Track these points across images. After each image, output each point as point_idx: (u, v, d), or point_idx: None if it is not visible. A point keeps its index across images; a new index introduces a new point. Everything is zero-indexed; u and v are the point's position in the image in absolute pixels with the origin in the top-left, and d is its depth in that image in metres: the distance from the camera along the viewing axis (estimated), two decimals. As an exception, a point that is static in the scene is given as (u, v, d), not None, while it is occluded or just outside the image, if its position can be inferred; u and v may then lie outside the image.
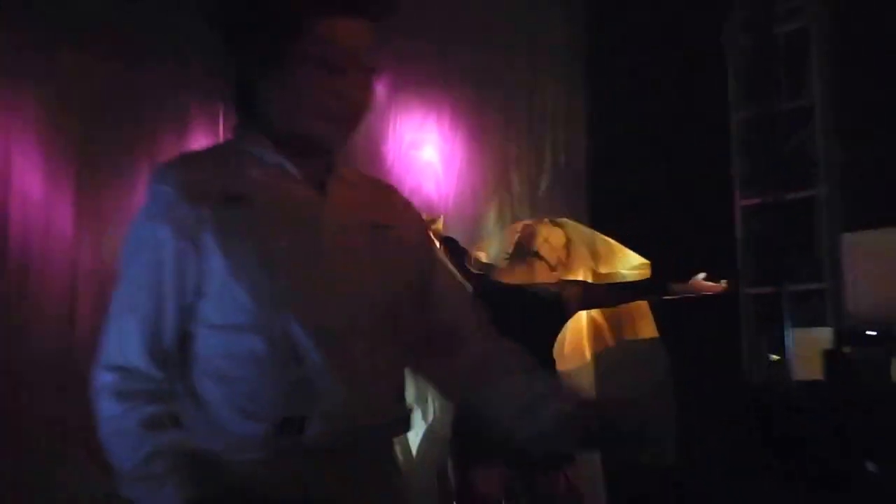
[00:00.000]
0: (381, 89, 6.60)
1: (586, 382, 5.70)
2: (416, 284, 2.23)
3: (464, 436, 4.94)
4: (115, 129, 5.95)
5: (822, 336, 5.41)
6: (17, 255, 5.58)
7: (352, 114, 2.10)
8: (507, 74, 6.56)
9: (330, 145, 2.13)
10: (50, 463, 5.49)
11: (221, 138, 6.29)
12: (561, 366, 4.80)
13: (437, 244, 5.49)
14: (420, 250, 2.30)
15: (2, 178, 5.56)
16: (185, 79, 6.22)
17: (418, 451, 6.28)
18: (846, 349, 4.86)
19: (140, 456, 1.88)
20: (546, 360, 4.73)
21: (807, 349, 5.15)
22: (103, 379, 1.94)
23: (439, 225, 5.68)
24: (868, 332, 4.71)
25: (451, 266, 2.36)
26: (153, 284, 1.95)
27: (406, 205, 2.34)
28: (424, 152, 6.59)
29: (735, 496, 4.74)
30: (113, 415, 1.93)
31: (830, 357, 4.83)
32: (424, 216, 5.50)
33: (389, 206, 2.26)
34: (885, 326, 4.57)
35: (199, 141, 6.32)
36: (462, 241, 5.70)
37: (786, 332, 6.04)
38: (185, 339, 1.99)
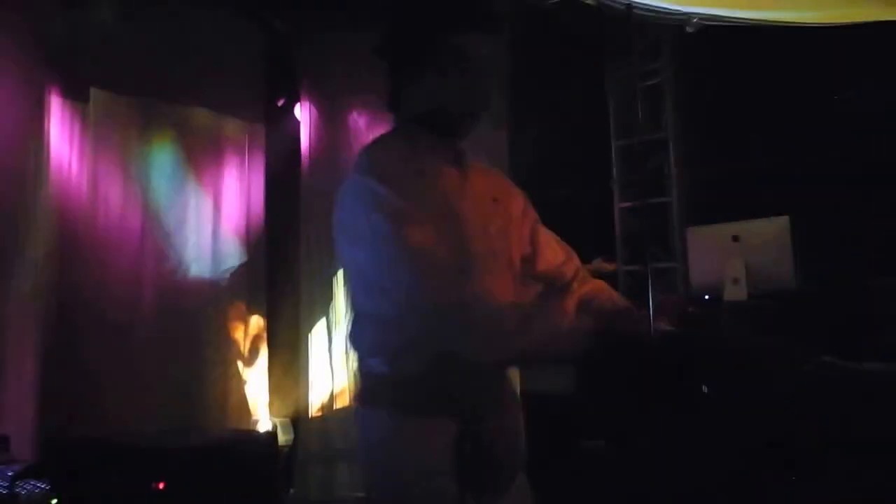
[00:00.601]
0: (364, 123, 6.70)
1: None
2: (525, 244, 2.21)
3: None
4: (170, 154, 6.17)
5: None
6: (101, 242, 5.75)
7: (477, 106, 2.10)
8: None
9: (463, 131, 2.12)
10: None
11: (247, 158, 6.58)
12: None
13: None
14: (524, 219, 2.25)
15: (91, 191, 5.72)
16: (219, 116, 6.48)
17: None
18: (690, 309, 4.89)
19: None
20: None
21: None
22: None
23: None
24: (706, 297, 4.72)
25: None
26: (380, 232, 1.89)
27: (510, 184, 2.30)
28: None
29: (617, 416, 4.96)
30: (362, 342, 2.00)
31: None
32: None
33: (500, 185, 2.24)
34: (716, 293, 4.57)
35: (232, 159, 6.54)
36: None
37: (650, 298, 6.27)
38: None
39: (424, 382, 1.94)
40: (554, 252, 2.30)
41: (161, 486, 2.29)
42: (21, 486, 2.63)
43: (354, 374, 2.07)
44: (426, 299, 1.84)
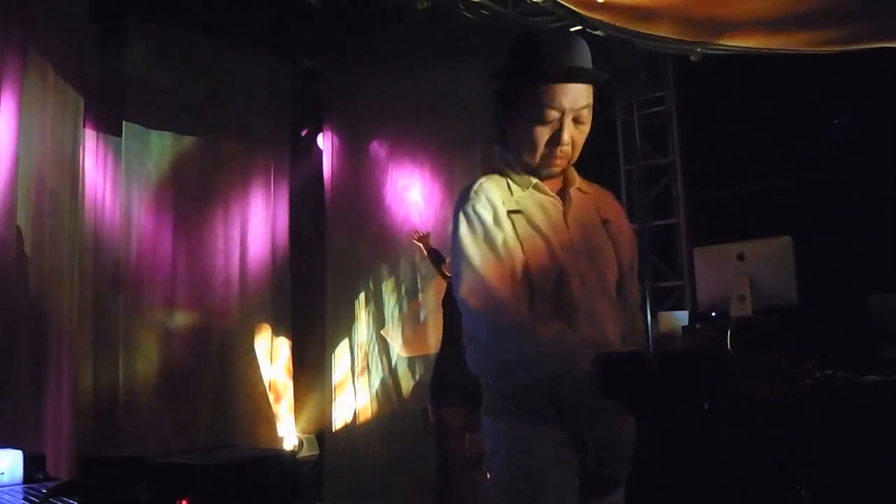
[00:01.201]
0: (383, 151, 6.85)
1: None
2: (625, 265, 2.22)
3: (439, 385, 4.92)
4: (200, 183, 6.33)
5: (682, 317, 5.44)
6: (136, 267, 5.89)
7: (563, 151, 2.11)
8: (467, 143, 6.40)
9: (552, 172, 2.16)
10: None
11: (272, 186, 6.71)
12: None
13: (426, 252, 5.63)
14: (630, 238, 2.28)
15: (125, 219, 5.87)
16: (247, 147, 6.62)
17: (409, 396, 6.47)
18: (697, 325, 4.86)
19: None
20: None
21: (672, 325, 5.13)
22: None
23: (429, 238, 5.66)
24: (712, 314, 4.71)
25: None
26: (483, 250, 2.02)
27: (618, 206, 2.32)
28: (412, 193, 6.65)
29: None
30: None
31: (686, 330, 4.92)
32: (421, 232, 5.67)
33: (610, 206, 2.27)
34: (721, 309, 4.58)
35: (258, 187, 6.66)
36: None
37: (648, 316, 6.11)
38: None
39: (531, 396, 2.03)
40: (632, 280, 2.30)
41: (185, 502, 2.34)
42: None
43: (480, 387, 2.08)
44: (497, 346, 2.01)
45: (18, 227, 4.95)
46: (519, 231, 2.07)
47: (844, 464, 3.59)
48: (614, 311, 2.12)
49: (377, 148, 6.93)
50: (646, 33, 5.13)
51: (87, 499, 2.54)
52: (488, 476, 2.12)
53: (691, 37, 5.22)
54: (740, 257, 4.49)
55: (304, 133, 7.22)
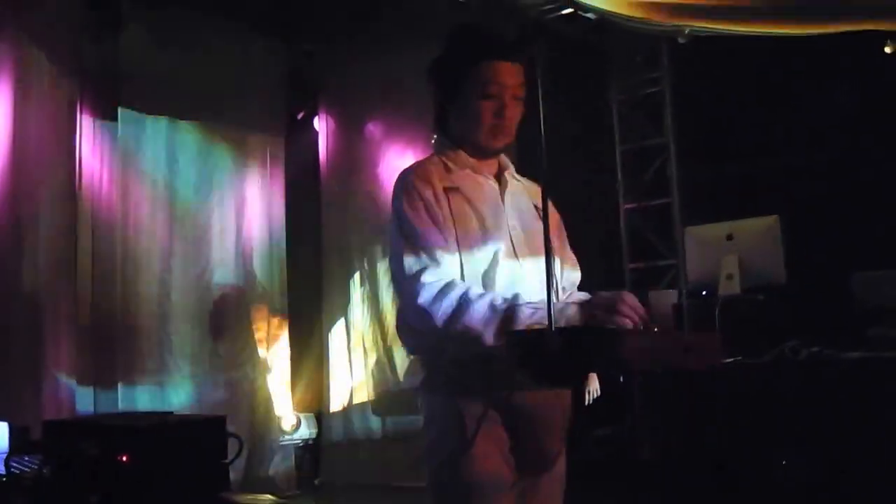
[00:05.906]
0: (378, 133, 7.01)
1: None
2: (556, 251, 2.28)
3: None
4: (196, 166, 6.40)
5: (673, 294, 5.51)
6: (133, 250, 5.98)
7: (504, 128, 2.22)
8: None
9: (493, 151, 2.28)
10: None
11: (268, 168, 6.85)
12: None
13: None
14: (558, 227, 2.40)
15: (122, 203, 5.97)
16: (243, 130, 6.73)
17: (404, 373, 6.61)
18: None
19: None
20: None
21: (663, 303, 4.99)
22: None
23: None
24: (703, 293, 4.79)
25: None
26: (425, 221, 2.12)
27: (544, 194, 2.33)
28: (407, 174, 6.53)
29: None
30: None
31: (677, 308, 4.93)
32: None
33: (538, 194, 2.30)
34: (712, 288, 4.63)
35: (254, 169, 6.79)
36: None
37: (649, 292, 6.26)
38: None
39: (462, 372, 2.11)
40: (570, 268, 2.43)
41: (126, 457, 2.63)
42: (14, 465, 2.93)
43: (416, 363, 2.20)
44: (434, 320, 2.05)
45: (15, 213, 5.08)
46: (454, 208, 2.17)
47: (829, 438, 3.72)
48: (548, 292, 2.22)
49: (373, 130, 7.10)
50: (631, 16, 5.25)
51: (48, 455, 2.79)
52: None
53: (676, 20, 5.33)
54: (729, 237, 4.60)
55: (299, 115, 7.36)
